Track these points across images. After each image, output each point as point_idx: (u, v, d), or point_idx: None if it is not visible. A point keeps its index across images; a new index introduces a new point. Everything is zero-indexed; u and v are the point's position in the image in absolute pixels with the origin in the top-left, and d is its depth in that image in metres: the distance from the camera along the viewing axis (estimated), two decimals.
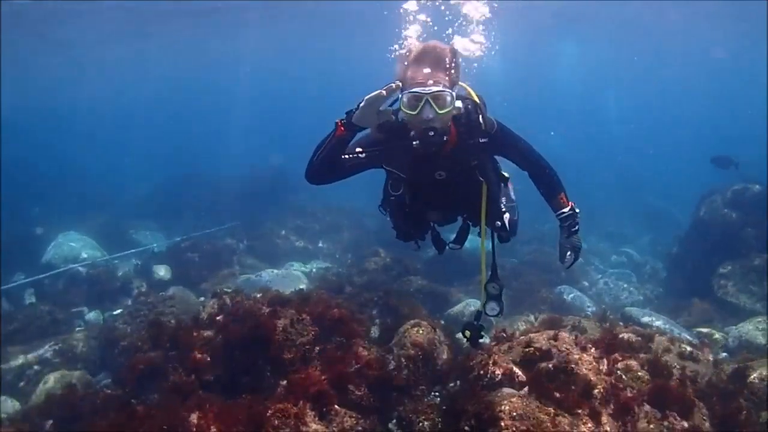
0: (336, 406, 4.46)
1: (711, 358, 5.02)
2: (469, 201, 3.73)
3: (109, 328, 8.64)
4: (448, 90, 3.21)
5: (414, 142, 3.28)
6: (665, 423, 3.87)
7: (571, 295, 10.38)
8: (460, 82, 3.47)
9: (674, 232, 14.63)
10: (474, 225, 3.95)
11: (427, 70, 3.21)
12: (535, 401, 3.54)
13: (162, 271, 11.59)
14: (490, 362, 4.06)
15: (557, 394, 3.64)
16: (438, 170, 3.51)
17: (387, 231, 12.52)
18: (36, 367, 7.96)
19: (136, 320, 8.48)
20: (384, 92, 3.18)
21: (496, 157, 3.89)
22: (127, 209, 17.86)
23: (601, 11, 18.12)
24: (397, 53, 3.59)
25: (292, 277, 10.58)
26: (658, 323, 7.38)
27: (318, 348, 5.13)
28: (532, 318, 7.54)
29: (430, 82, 3.19)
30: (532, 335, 4.21)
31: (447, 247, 4.13)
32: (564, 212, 3.67)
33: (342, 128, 3.33)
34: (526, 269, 12.11)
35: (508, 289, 9.60)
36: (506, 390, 3.69)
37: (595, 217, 16.98)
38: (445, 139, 3.31)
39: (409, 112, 3.23)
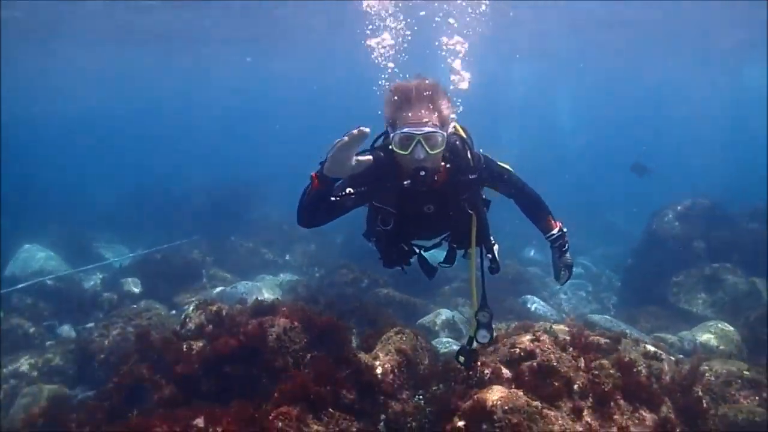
0: (331, 409, 4.70)
1: (672, 357, 5.46)
2: (458, 232, 3.79)
3: (85, 341, 8.61)
4: (439, 131, 3.24)
5: (405, 182, 3.31)
6: (636, 415, 4.26)
7: (535, 305, 10.89)
8: (449, 120, 3.46)
9: (626, 244, 15.40)
10: (458, 248, 4.00)
11: (418, 110, 3.22)
12: (524, 396, 3.88)
13: (131, 285, 11.57)
14: (479, 363, 4.39)
15: (542, 390, 3.99)
16: (427, 204, 3.57)
17: (353, 244, 12.90)
18: (12, 381, 7.92)
19: (112, 333, 8.50)
20: (346, 139, 2.92)
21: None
22: (87, 222, 17.66)
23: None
24: (384, 88, 3.55)
25: (267, 288, 10.74)
26: (621, 328, 7.88)
27: (309, 355, 5.37)
28: (502, 326, 7.92)
29: (422, 121, 3.20)
30: (515, 338, 4.56)
31: (438, 269, 4.15)
32: (554, 234, 3.87)
33: (316, 182, 3.17)
34: (490, 281, 12.55)
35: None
36: (496, 387, 4.01)
37: None
38: (435, 178, 3.36)
39: (400, 152, 3.26)
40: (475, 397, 3.99)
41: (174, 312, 10.37)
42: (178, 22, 18.04)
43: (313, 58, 25.98)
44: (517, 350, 4.39)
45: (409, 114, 3.23)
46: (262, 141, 40.45)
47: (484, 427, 3.78)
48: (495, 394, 3.90)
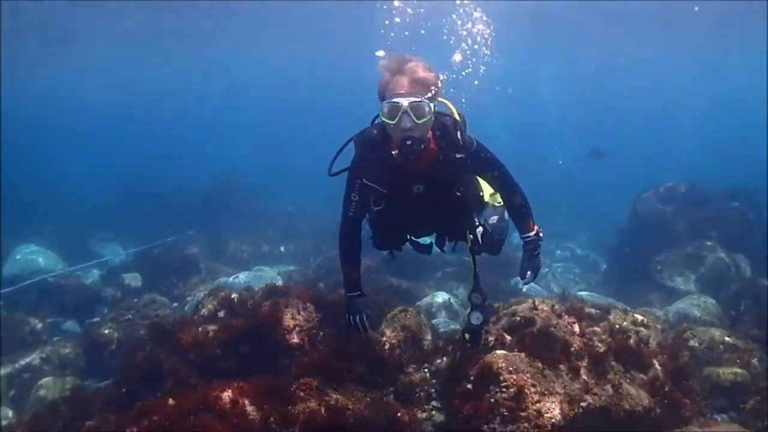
0: (346, 382, 5.05)
1: (659, 326, 5.87)
2: (446, 214, 3.90)
3: (94, 334, 8.88)
4: (425, 101, 3.35)
5: (393, 152, 3.47)
6: (628, 375, 4.66)
7: (526, 286, 11.29)
8: (441, 98, 3.61)
9: (610, 227, 15.91)
10: (450, 239, 4.23)
11: (406, 81, 3.37)
12: (526, 358, 4.25)
13: (132, 280, 11.83)
14: (483, 330, 4.75)
15: (542, 353, 4.37)
16: (416, 184, 3.69)
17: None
18: (25, 375, 8.16)
19: (122, 325, 8.78)
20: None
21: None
22: (81, 220, 17.79)
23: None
24: (380, 63, 3.63)
25: (268, 278, 11.02)
26: (609, 302, 8.31)
27: (321, 333, 5.71)
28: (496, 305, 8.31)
29: (409, 92, 3.34)
30: (515, 307, 4.94)
31: (432, 244, 4.37)
32: (530, 236, 4.04)
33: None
34: (483, 265, 12.98)
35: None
36: (499, 351, 4.38)
37: (539, 215, 18.09)
38: (422, 147, 3.44)
39: (388, 121, 3.39)
40: (481, 361, 4.35)
41: (176, 304, 10.64)
42: (166, 19, 18.16)
43: (304, 55, 26.21)
44: (518, 318, 4.76)
45: (397, 85, 3.38)
46: (254, 136, 40.48)
47: (491, 387, 4.14)
48: (499, 358, 4.27)
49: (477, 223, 4.06)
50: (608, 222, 17.98)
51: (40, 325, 9.70)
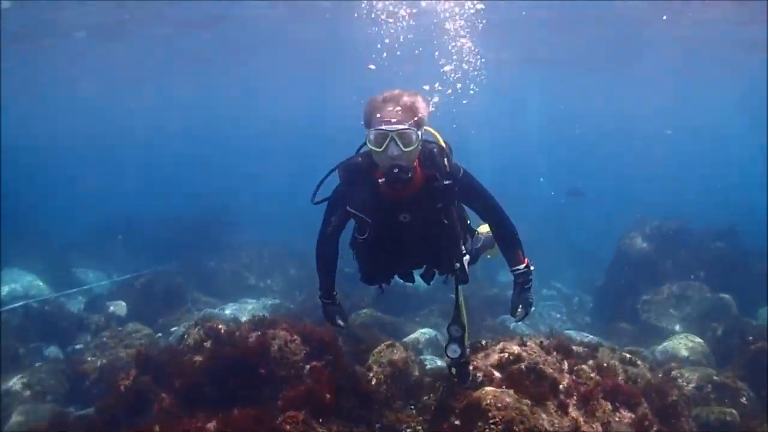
0: (332, 416, 4.99)
1: (647, 364, 5.88)
2: (433, 243, 3.79)
3: (76, 361, 8.77)
4: (413, 129, 3.32)
5: (380, 180, 3.40)
6: (617, 414, 4.65)
7: (513, 324, 11.27)
8: (426, 127, 3.56)
9: (594, 265, 16.01)
10: (440, 273, 4.09)
11: (393, 109, 3.33)
12: (514, 395, 4.23)
13: (117, 308, 11.72)
14: (471, 367, 4.73)
15: (531, 390, 4.34)
16: (402, 213, 3.58)
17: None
18: (5, 399, 8.00)
19: (105, 353, 8.67)
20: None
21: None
22: (65, 247, 17.65)
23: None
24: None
25: (254, 310, 10.96)
26: (597, 340, 8.31)
27: (308, 366, 5.65)
28: (484, 342, 8.29)
29: (396, 119, 3.31)
30: (504, 343, 4.93)
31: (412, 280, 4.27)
32: (519, 269, 3.85)
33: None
34: (469, 302, 13.00)
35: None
36: (488, 387, 4.35)
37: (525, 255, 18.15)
38: (410, 175, 3.37)
39: (375, 149, 3.35)
40: (469, 397, 4.32)
41: (160, 334, 10.51)
42: (148, 56, 18.38)
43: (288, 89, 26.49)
44: (506, 354, 4.74)
45: (384, 113, 3.35)
46: (234, 166, 40.55)
47: (479, 424, 4.10)
48: (488, 394, 4.24)
49: (464, 251, 3.94)
50: (593, 260, 18.11)
51: (22, 350, 9.56)
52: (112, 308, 11.71)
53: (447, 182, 3.53)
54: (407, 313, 11.37)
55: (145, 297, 12.41)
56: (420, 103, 3.45)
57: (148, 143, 47.03)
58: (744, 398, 6.24)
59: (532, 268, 3.90)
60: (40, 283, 13.57)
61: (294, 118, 40.26)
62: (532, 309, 3.86)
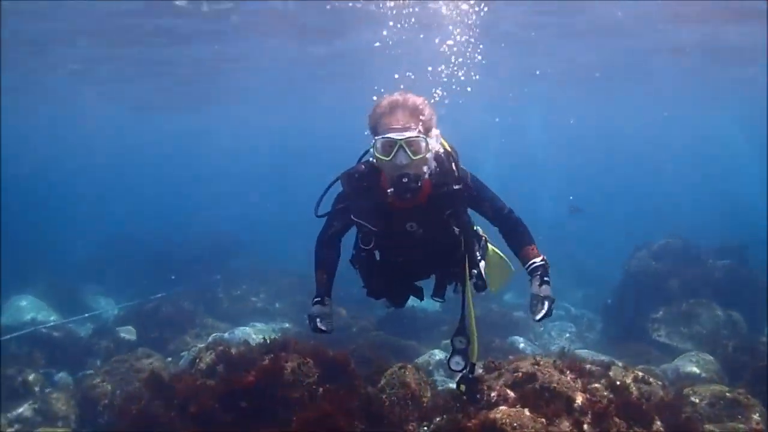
0: None
1: (659, 382, 5.88)
2: (443, 252, 3.65)
3: (87, 387, 8.77)
4: (422, 136, 3.20)
5: (388, 190, 3.26)
6: (631, 431, 4.64)
7: (522, 344, 11.29)
8: (434, 130, 3.41)
9: (600, 285, 15.99)
10: (450, 282, 3.88)
11: (400, 116, 3.22)
12: (529, 414, 4.25)
13: (127, 333, 11.75)
14: (485, 387, 4.76)
15: (545, 408, 4.36)
16: (409, 222, 3.45)
17: (341, 292, 13.27)
18: (17, 426, 8.03)
19: (116, 378, 8.67)
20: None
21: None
22: (72, 272, 17.76)
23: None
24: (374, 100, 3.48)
25: (264, 334, 10.96)
26: (608, 359, 8.29)
27: (321, 388, 5.67)
28: (496, 362, 8.30)
29: (404, 126, 3.19)
30: (517, 363, 4.95)
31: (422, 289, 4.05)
32: (535, 262, 3.54)
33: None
34: (477, 322, 12.99)
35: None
36: (502, 407, 4.37)
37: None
38: (419, 184, 3.24)
39: (382, 157, 3.21)
40: (484, 416, 4.34)
41: (170, 359, 10.54)
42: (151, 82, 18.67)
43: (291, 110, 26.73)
44: (520, 374, 4.77)
45: (392, 120, 3.23)
46: (238, 190, 40.79)
47: None
48: (503, 414, 4.26)
49: (479, 257, 3.79)
50: (599, 280, 18.09)
51: (32, 376, 9.51)
52: (122, 333, 11.72)
53: (457, 187, 3.38)
54: (416, 335, 11.37)
55: (153, 322, 12.45)
56: (427, 108, 3.34)
57: (147, 169, 47.41)
58: (757, 414, 6.21)
59: (547, 262, 3.58)
60: (48, 310, 13.63)
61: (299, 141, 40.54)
62: (554, 306, 3.46)
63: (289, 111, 27.42)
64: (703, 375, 8.16)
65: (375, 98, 3.45)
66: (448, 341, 10.60)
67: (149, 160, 46.42)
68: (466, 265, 3.62)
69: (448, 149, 3.50)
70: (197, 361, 6.81)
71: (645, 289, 12.37)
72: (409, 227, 3.46)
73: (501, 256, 4.43)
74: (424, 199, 3.38)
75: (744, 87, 20.92)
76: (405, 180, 3.17)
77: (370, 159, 3.37)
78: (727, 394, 6.24)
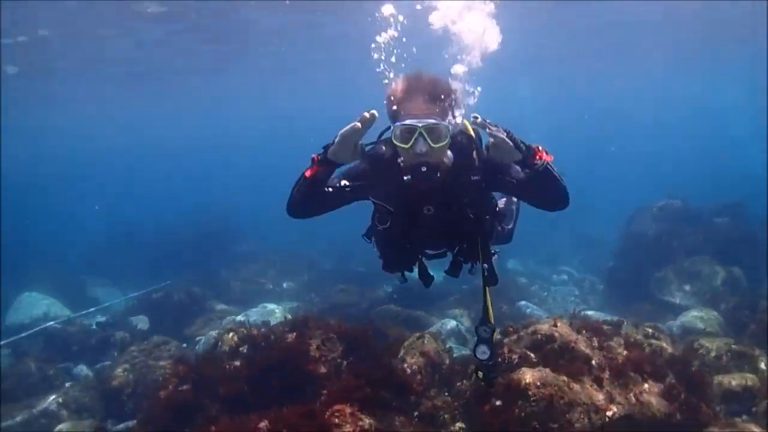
0: (375, 407, 5.21)
1: (668, 338, 6.12)
2: (458, 239, 3.63)
3: (108, 378, 8.92)
4: (443, 123, 3.05)
5: (405, 177, 3.14)
6: (646, 384, 4.88)
7: (530, 309, 11.52)
8: (456, 114, 3.25)
9: (600, 249, 16.22)
10: (465, 262, 3.80)
11: (421, 101, 3.06)
12: (551, 373, 4.46)
13: (140, 322, 11.93)
14: (506, 350, 4.97)
15: (566, 367, 4.58)
16: (427, 205, 3.38)
17: (344, 270, 13.49)
18: (43, 421, 8.17)
19: (136, 367, 8.85)
20: (359, 125, 2.96)
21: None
22: (76, 265, 17.89)
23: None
24: (386, 81, 3.36)
25: (276, 314, 11.16)
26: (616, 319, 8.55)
27: (345, 362, 5.88)
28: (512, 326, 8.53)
29: (424, 112, 3.03)
30: (535, 326, 5.16)
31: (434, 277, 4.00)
32: (537, 164, 3.14)
33: (317, 165, 3.18)
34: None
35: (476, 307, 10.60)
36: (525, 368, 4.58)
37: (530, 243, 18.34)
38: (438, 174, 3.11)
39: (401, 145, 3.07)
40: (508, 378, 4.55)
41: (185, 345, 10.72)
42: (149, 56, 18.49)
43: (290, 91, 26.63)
44: (539, 336, 4.98)
45: (412, 105, 3.07)
46: (239, 174, 40.81)
47: (520, 402, 4.33)
48: (526, 374, 4.48)
49: (493, 251, 3.73)
50: (598, 244, 18.36)
51: (51, 371, 9.71)
52: (135, 323, 11.90)
53: (475, 178, 3.30)
54: (425, 306, 11.58)
55: (164, 310, 12.60)
56: (449, 90, 3.17)
57: (143, 157, 47.27)
58: (763, 364, 6.46)
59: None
60: (59, 305, 13.76)
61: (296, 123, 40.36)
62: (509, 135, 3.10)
63: (279, 93, 27.27)
64: (708, 329, 8.41)
65: (386, 82, 3.33)
66: (456, 311, 10.64)
67: (147, 147, 46.18)
68: (482, 251, 3.56)
69: (471, 134, 3.33)
70: (219, 344, 6.99)
71: (646, 250, 12.62)
72: (426, 210, 3.40)
73: None
74: (442, 186, 3.26)
75: (742, 48, 20.93)
76: (424, 169, 3.06)
77: (392, 139, 3.16)
78: (733, 346, 6.51)
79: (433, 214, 3.40)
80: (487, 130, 3.07)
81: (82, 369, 10.29)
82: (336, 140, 3.06)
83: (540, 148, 3.17)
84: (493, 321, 3.62)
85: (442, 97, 3.11)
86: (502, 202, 4.23)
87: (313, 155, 3.17)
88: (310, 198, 3.30)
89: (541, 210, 3.56)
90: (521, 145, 3.11)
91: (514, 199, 4.31)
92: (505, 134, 3.07)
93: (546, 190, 3.30)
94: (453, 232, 3.56)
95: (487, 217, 3.67)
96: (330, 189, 3.32)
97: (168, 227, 20.62)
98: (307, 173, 3.19)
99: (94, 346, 11.11)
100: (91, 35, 13.97)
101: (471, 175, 3.30)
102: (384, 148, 3.34)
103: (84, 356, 10.78)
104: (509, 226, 4.29)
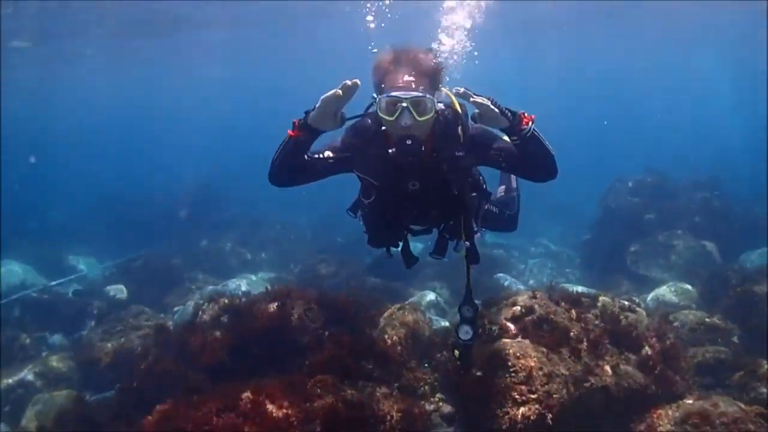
0: (356, 378, 5.26)
1: (644, 311, 6.23)
2: (442, 215, 3.65)
3: (85, 347, 8.89)
4: (429, 96, 3.05)
5: (390, 150, 3.15)
6: (623, 356, 4.98)
7: (507, 282, 11.64)
8: (442, 87, 3.28)
9: (578, 221, 16.39)
10: (450, 239, 3.83)
11: (406, 74, 3.06)
12: (531, 344, 4.53)
13: (117, 292, 11.83)
14: (486, 321, 5.03)
15: (545, 339, 4.65)
16: (411, 180, 3.38)
17: (324, 240, 13.51)
18: (20, 391, 8.11)
19: (113, 337, 8.80)
20: (340, 92, 2.94)
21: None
22: (54, 234, 17.61)
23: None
24: (373, 50, 3.33)
25: (257, 285, 11.15)
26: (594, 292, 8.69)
27: (326, 332, 5.91)
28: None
29: (409, 85, 3.04)
30: (515, 297, 5.22)
31: (417, 259, 4.06)
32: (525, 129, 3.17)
33: (297, 130, 3.15)
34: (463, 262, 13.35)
35: (454, 279, 10.66)
36: (505, 339, 4.65)
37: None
38: (422, 148, 3.11)
39: (386, 117, 3.07)
40: (489, 349, 4.61)
41: (163, 315, 10.67)
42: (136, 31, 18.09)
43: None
44: (518, 307, 5.04)
45: (397, 77, 3.07)
46: (222, 143, 40.21)
47: (500, 373, 4.39)
48: (507, 345, 4.53)
49: (475, 229, 3.77)
50: (575, 216, 18.54)
51: (28, 341, 9.63)
52: (112, 292, 11.79)
53: (459, 154, 3.31)
54: (405, 279, 11.66)
55: (142, 279, 12.56)
56: (434, 62, 3.17)
57: (120, 127, 46.44)
58: (735, 337, 6.66)
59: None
60: (35, 274, 13.58)
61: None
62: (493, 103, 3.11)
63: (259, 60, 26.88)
64: (682, 303, 8.59)
65: (375, 51, 3.32)
66: (435, 284, 10.70)
67: (128, 116, 45.35)
68: (464, 229, 3.61)
69: (457, 109, 3.30)
70: (200, 313, 6.97)
71: (622, 224, 12.80)
72: (411, 185, 3.40)
73: None
74: (427, 161, 3.28)
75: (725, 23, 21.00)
76: (409, 142, 3.06)
77: (377, 112, 3.17)
78: (707, 319, 6.66)
79: (418, 190, 3.40)
80: (471, 99, 3.07)
81: (59, 338, 10.23)
82: (317, 105, 3.05)
83: (525, 114, 3.17)
84: (476, 301, 3.68)
85: (427, 69, 3.12)
86: (501, 190, 4.35)
87: (294, 120, 3.16)
88: (290, 164, 3.30)
89: (528, 181, 3.60)
90: (506, 111, 3.12)
91: (514, 186, 4.43)
92: (490, 102, 3.07)
93: (535, 157, 3.29)
94: (438, 208, 3.58)
95: (473, 194, 3.73)
96: (313, 158, 3.33)
97: (149, 196, 20.38)
98: (288, 137, 3.19)
99: (71, 316, 10.99)
100: None
101: (455, 150, 3.30)
102: (369, 121, 3.34)
103: (60, 326, 10.67)
104: (512, 212, 4.39)
